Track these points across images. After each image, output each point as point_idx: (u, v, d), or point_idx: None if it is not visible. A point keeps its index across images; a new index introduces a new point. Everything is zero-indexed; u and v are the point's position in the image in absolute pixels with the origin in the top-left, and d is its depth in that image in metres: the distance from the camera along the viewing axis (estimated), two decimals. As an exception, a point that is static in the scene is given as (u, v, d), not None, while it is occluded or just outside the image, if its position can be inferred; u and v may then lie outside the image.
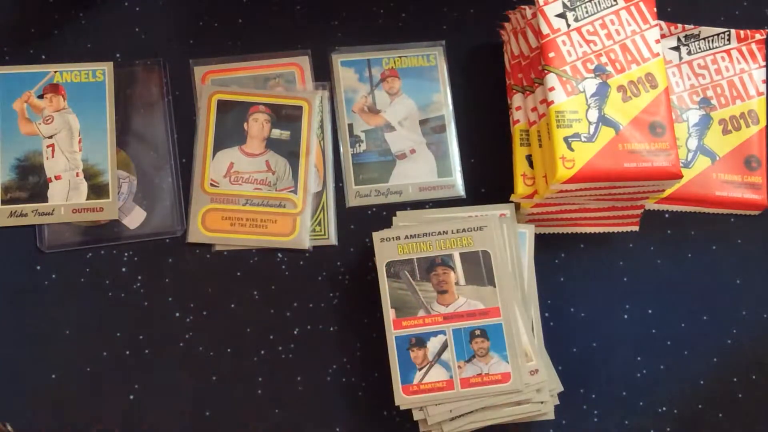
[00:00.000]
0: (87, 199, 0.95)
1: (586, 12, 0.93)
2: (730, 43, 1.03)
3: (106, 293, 0.94)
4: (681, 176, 0.89)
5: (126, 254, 0.95)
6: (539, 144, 0.92)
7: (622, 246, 0.99)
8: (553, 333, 0.95)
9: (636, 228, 0.98)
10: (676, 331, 0.97)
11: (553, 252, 0.98)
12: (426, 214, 0.93)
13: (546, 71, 0.91)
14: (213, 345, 0.93)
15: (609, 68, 0.91)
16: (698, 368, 0.96)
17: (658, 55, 0.92)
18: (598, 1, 0.93)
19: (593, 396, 0.94)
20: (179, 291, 0.94)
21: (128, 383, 0.92)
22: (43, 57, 0.99)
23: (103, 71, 0.99)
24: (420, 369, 0.87)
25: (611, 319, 0.97)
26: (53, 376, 0.91)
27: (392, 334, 0.88)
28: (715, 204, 1.00)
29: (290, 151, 0.98)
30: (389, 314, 0.88)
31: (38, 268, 0.94)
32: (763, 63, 1.03)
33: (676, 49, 1.03)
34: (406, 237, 0.90)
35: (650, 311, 0.97)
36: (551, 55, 0.91)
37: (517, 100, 0.96)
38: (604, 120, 0.90)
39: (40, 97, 0.97)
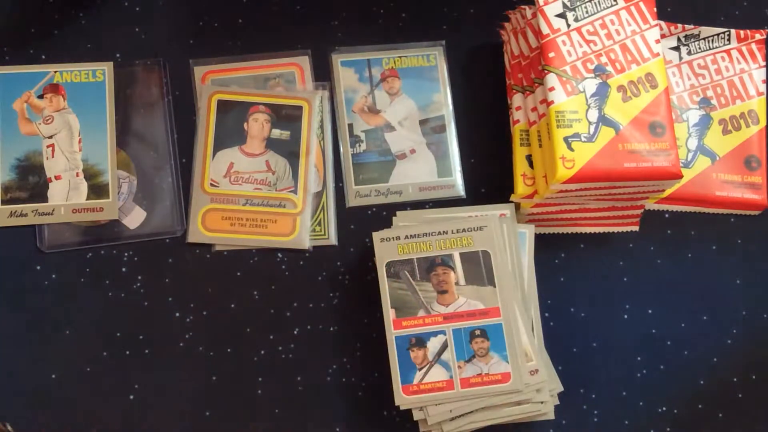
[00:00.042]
0: (87, 199, 0.95)
1: (586, 12, 0.93)
2: (730, 43, 1.03)
3: (106, 293, 0.94)
4: (681, 176, 0.89)
5: (126, 254, 0.95)
6: (539, 144, 0.92)
7: (622, 246, 0.99)
8: (553, 333, 0.95)
9: (636, 228, 0.98)
10: (676, 331, 0.97)
11: (553, 252, 0.98)
12: (426, 214, 0.93)
13: (546, 71, 0.91)
14: (213, 345, 0.93)
15: (609, 68, 0.91)
16: (698, 368, 0.96)
17: (658, 55, 0.92)
18: (598, 1, 0.93)
19: (593, 396, 0.94)
20: (179, 291, 0.94)
21: (128, 383, 0.92)
22: (43, 57, 0.99)
23: (103, 71, 0.99)
24: (420, 369, 0.87)
25: (611, 319, 0.97)
26: (53, 376, 0.91)
27: (392, 334, 0.88)
28: (715, 204, 1.00)
29: (290, 151, 0.98)
30: (389, 314, 0.88)
31: (38, 268, 0.94)
32: (763, 63, 1.03)
33: (676, 49, 1.03)
34: (406, 237, 0.90)
35: (650, 311, 0.97)
36: (551, 55, 0.91)
37: (517, 100, 0.96)
38: (604, 120, 0.90)
39: (40, 97, 0.97)
